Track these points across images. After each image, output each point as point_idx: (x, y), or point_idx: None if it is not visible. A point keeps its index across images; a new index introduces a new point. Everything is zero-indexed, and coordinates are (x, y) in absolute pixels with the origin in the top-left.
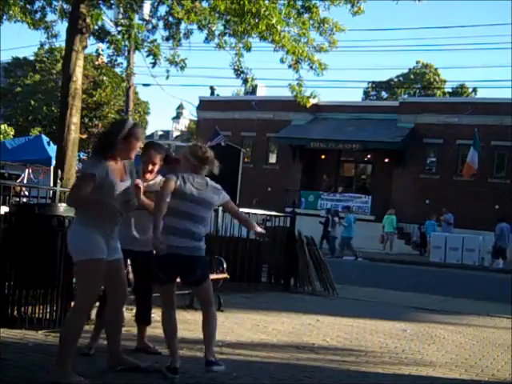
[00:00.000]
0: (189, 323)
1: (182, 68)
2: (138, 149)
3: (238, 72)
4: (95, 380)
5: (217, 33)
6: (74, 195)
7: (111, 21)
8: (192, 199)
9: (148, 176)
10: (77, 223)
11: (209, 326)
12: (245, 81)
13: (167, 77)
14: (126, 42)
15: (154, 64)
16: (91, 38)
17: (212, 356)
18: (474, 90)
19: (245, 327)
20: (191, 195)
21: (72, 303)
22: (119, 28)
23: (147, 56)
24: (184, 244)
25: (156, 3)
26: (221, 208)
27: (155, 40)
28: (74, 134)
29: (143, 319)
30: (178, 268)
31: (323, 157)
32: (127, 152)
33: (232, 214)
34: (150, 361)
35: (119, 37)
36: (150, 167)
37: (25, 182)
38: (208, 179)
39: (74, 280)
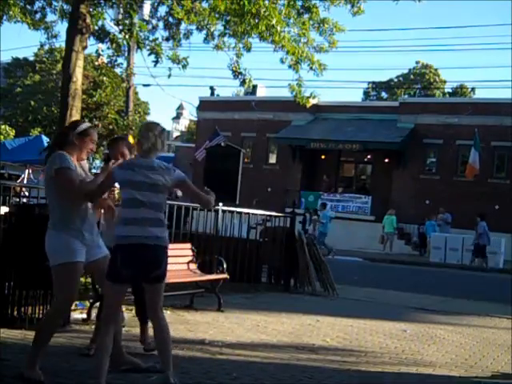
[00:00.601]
0: (189, 323)
1: (184, 66)
2: (89, 150)
3: (236, 73)
4: (93, 380)
5: (216, 33)
6: (88, 189)
7: (111, 20)
8: (145, 187)
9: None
10: (50, 228)
11: (164, 339)
12: (243, 82)
13: (169, 75)
14: (125, 41)
15: (156, 62)
16: (91, 38)
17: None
18: (473, 89)
19: (245, 327)
20: (142, 182)
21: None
22: (121, 27)
23: (149, 55)
24: (146, 233)
25: (156, 3)
26: (221, 208)
27: (157, 39)
28: None
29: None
30: (143, 260)
31: (323, 157)
32: (80, 150)
33: (190, 195)
34: (152, 361)
35: (120, 35)
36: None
37: (25, 182)
38: (157, 161)
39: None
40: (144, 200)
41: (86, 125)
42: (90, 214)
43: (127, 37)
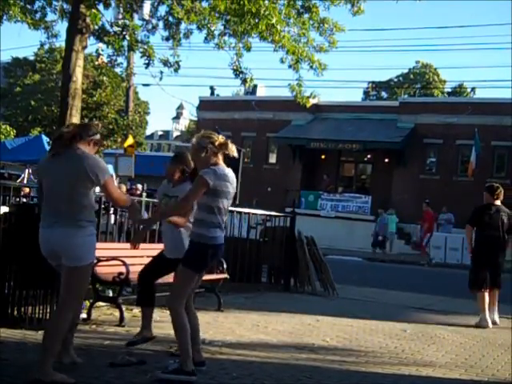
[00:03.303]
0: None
1: (176, 70)
2: (95, 151)
3: (237, 72)
4: (94, 380)
5: (216, 33)
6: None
7: (110, 21)
8: (230, 197)
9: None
10: (87, 227)
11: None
12: (244, 81)
13: (161, 78)
14: (124, 43)
15: (148, 65)
16: (91, 37)
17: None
18: (473, 89)
19: (245, 327)
20: (226, 192)
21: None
22: (114, 28)
23: (141, 57)
24: (223, 234)
25: (156, 3)
26: None
27: (149, 41)
28: None
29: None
30: (221, 255)
31: (323, 157)
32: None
33: None
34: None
35: (115, 37)
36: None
37: (25, 182)
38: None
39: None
40: (227, 208)
41: (98, 135)
42: None
43: (121, 38)
